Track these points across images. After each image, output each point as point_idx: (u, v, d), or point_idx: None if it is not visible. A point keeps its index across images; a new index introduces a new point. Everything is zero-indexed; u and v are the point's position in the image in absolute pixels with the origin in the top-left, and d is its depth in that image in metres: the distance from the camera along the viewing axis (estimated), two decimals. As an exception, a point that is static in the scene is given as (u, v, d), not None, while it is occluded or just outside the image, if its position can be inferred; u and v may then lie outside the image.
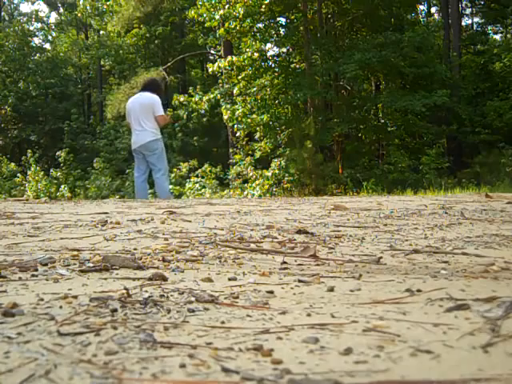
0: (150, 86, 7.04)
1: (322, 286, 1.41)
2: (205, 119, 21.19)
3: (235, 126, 17.43)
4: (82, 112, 29.21)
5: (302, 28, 18.12)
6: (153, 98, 6.82)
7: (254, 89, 17.32)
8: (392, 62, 16.59)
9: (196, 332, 0.99)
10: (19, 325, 1.01)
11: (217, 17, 17.17)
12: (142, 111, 6.79)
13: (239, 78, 17.37)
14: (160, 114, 6.86)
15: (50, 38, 33.89)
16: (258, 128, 17.54)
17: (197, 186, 15.57)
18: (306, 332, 1.00)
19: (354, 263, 1.79)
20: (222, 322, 1.06)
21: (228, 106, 17.40)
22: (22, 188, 17.18)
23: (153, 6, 23.30)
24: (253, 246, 2.15)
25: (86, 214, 3.69)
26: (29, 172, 17.15)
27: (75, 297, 1.23)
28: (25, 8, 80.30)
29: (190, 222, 3.16)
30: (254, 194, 14.75)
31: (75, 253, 1.90)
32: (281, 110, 17.84)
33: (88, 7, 27.72)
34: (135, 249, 2.06)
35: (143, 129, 6.80)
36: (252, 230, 2.72)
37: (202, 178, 16.05)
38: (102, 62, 28.73)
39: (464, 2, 25.44)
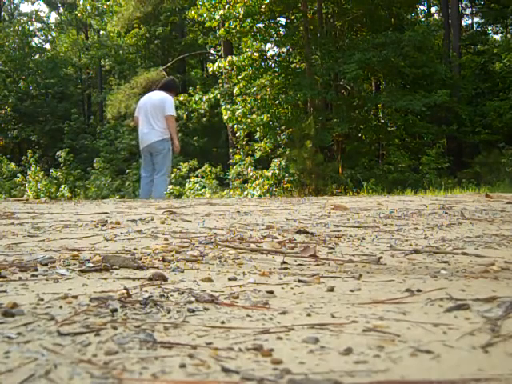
0: (165, 86, 6.88)
1: (322, 286, 1.41)
2: (205, 119, 21.20)
3: (235, 126, 17.43)
4: (82, 112, 29.22)
5: (301, 28, 18.12)
6: (166, 97, 6.70)
7: (254, 89, 17.33)
8: (392, 61, 16.60)
9: (196, 332, 0.99)
10: (19, 325, 1.01)
11: (217, 17, 17.17)
12: (153, 109, 6.65)
13: (239, 77, 17.37)
14: (170, 113, 6.71)
15: (49, 38, 33.90)
16: (257, 128, 17.54)
17: (197, 186, 15.57)
18: (305, 332, 1.00)
19: (354, 263, 1.79)
20: (222, 322, 1.06)
21: (228, 106, 17.40)
22: (22, 188, 17.18)
23: (153, 6, 23.31)
24: (253, 245, 2.15)
25: (86, 213, 3.69)
26: (29, 172, 17.14)
27: (75, 297, 1.23)
28: (25, 8, 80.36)
29: (190, 222, 3.16)
30: (253, 194, 14.74)
31: (75, 253, 1.90)
32: (281, 110, 17.84)
33: (88, 7, 27.71)
34: (135, 249, 2.06)
35: (152, 127, 6.65)
36: (252, 230, 2.72)
37: (202, 178, 16.05)
38: (102, 62, 28.73)
39: (464, 2, 25.46)
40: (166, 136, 6.71)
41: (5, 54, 27.07)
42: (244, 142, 17.93)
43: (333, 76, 18.73)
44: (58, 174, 18.15)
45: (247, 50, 17.52)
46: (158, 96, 6.77)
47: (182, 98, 18.94)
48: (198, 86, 20.56)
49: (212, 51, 26.33)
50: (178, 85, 7.59)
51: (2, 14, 32.04)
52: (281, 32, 18.85)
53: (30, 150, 19.58)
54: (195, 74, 29.23)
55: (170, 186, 15.39)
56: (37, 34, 32.96)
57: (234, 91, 17.47)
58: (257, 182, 15.44)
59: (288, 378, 0.77)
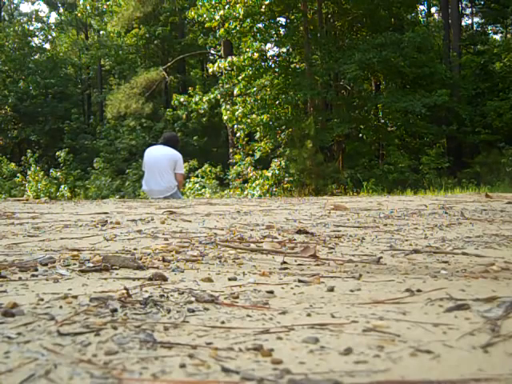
0: (170, 142, 6.87)
1: (322, 286, 1.41)
2: (204, 119, 21.20)
3: (235, 126, 17.43)
4: (82, 112, 29.21)
5: (302, 28, 18.12)
6: (176, 155, 6.75)
7: (254, 89, 17.32)
8: (392, 62, 16.60)
9: (196, 332, 0.99)
10: (19, 325, 1.01)
11: (217, 17, 17.17)
12: (161, 166, 6.63)
13: (239, 78, 17.37)
14: (182, 172, 6.90)
15: (50, 38, 33.89)
16: (257, 128, 17.54)
17: (197, 186, 15.58)
18: (306, 332, 1.00)
19: (354, 263, 1.79)
20: (222, 322, 1.06)
21: (228, 106, 17.40)
22: (22, 188, 17.18)
23: (153, 6, 23.32)
24: (253, 245, 2.15)
25: (86, 213, 3.69)
26: (29, 172, 17.13)
27: (75, 297, 1.23)
28: (25, 8, 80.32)
29: (190, 222, 3.16)
30: (253, 194, 14.75)
31: (75, 253, 1.90)
32: (281, 110, 17.84)
33: (88, 7, 27.72)
34: (135, 249, 2.06)
35: (160, 184, 6.64)
36: (252, 230, 2.72)
37: (202, 178, 16.05)
38: (102, 62, 28.74)
39: (464, 2, 25.45)
40: (174, 189, 6.73)
41: (5, 53, 27.06)
42: (244, 142, 17.93)
43: (333, 76, 18.74)
44: (58, 173, 18.14)
45: (247, 50, 17.52)
46: (166, 152, 6.74)
47: (182, 99, 18.94)
48: (197, 86, 20.56)
49: (212, 51, 26.33)
50: (179, 139, 7.54)
51: (2, 13, 32.04)
52: (281, 32, 18.85)
53: (29, 150, 19.58)
54: (195, 74, 29.23)
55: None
56: (37, 33, 32.96)
57: (235, 92, 17.47)
58: (257, 182, 15.44)
59: (288, 378, 0.77)
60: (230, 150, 19.37)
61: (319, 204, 4.76)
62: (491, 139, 18.50)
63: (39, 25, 34.06)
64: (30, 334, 0.96)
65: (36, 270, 1.60)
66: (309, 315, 1.11)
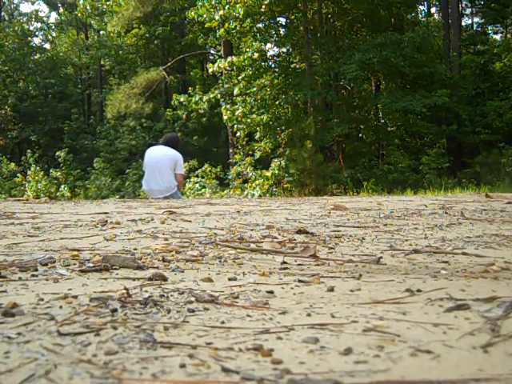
0: (171, 142, 6.88)
1: (322, 286, 1.41)
2: (204, 119, 21.20)
3: (235, 126, 17.44)
4: (82, 112, 29.21)
5: (302, 28, 18.12)
6: (178, 156, 6.77)
7: (254, 89, 17.33)
8: (392, 62, 16.60)
9: (196, 332, 0.99)
10: (19, 325, 1.01)
11: (217, 17, 17.17)
12: (161, 166, 6.64)
13: (239, 78, 17.38)
14: (182, 172, 6.91)
15: (50, 38, 33.88)
16: (257, 128, 17.54)
17: (197, 186, 15.57)
18: (306, 332, 1.00)
19: (354, 263, 1.79)
20: (222, 322, 1.06)
21: (228, 106, 17.40)
22: (22, 188, 17.17)
23: (153, 6, 23.32)
24: (253, 245, 2.15)
25: (86, 213, 3.69)
26: (29, 172, 17.12)
27: (75, 297, 1.23)
28: (25, 8, 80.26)
29: (190, 221, 3.16)
30: (253, 194, 14.74)
31: (75, 253, 1.90)
32: (281, 110, 17.85)
33: (88, 7, 27.72)
34: (135, 249, 2.05)
35: (160, 184, 6.65)
36: (252, 230, 2.72)
37: (202, 178, 16.05)
38: (102, 62, 28.73)
39: (464, 2, 25.45)
40: (174, 190, 6.73)
41: (5, 53, 27.05)
42: (244, 142, 17.94)
43: (333, 76, 18.74)
44: (58, 173, 18.12)
45: (247, 50, 17.52)
46: (166, 152, 6.75)
47: (181, 99, 18.94)
48: (197, 86, 20.56)
49: (212, 51, 26.33)
50: (180, 140, 7.53)
51: (2, 13, 32.03)
52: (281, 32, 18.86)
53: (29, 150, 19.57)
54: (195, 74, 29.23)
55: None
56: (37, 33, 32.95)
57: (235, 92, 17.47)
58: (257, 182, 15.43)
59: (288, 378, 0.77)
60: (230, 150, 19.37)
61: (319, 204, 4.76)
62: (491, 139, 18.51)
63: (39, 25, 34.04)
64: (30, 333, 0.96)
65: (36, 270, 1.60)
66: (309, 315, 1.11)
